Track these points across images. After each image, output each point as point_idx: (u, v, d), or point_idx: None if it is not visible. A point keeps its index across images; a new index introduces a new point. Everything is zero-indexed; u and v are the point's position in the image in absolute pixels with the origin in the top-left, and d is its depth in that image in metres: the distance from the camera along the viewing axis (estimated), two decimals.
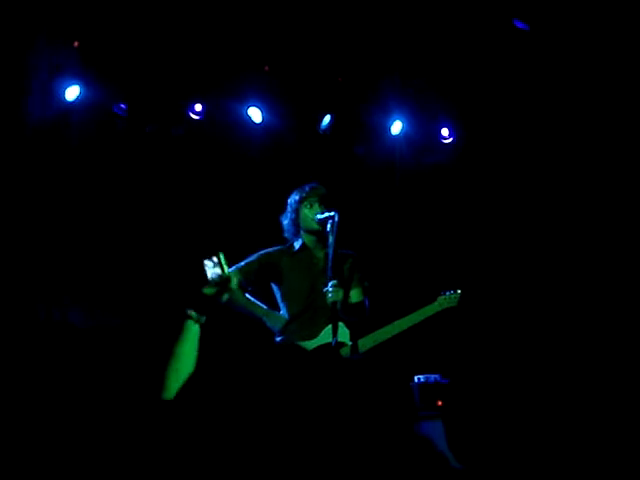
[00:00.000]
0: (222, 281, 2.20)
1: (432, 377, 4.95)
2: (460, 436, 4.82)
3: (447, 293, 4.33)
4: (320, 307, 4.00)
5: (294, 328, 4.10)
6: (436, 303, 4.31)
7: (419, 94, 6.07)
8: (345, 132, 6.00)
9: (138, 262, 5.43)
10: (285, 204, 4.28)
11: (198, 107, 5.52)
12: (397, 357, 4.43)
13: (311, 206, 4.13)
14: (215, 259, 2.21)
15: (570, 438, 4.97)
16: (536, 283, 5.98)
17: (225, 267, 2.19)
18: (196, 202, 5.65)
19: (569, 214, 6.01)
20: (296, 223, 4.20)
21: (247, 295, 4.14)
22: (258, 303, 4.19)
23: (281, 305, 4.20)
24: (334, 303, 3.84)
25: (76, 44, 5.09)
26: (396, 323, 4.22)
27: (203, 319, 2.16)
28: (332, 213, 3.96)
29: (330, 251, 3.91)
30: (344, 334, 4.05)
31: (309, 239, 4.20)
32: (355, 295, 4.18)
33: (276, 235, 4.33)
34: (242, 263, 4.14)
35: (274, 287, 4.23)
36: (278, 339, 4.14)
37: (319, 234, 4.13)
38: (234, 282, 2.21)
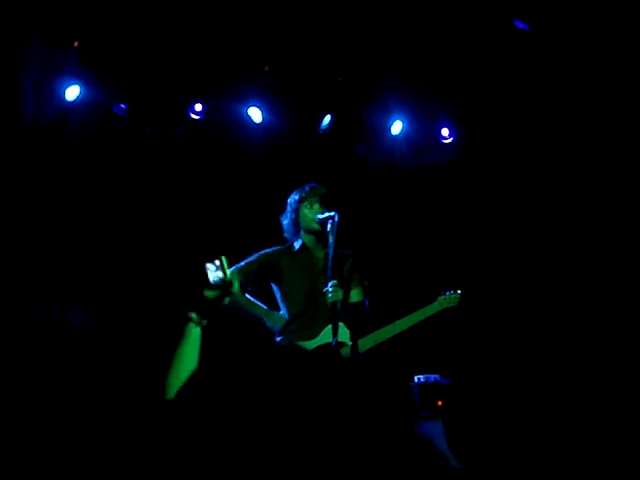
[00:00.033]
0: (224, 284, 2.20)
1: (432, 377, 4.95)
2: (460, 436, 4.82)
3: (447, 293, 4.33)
4: (320, 307, 4.00)
5: (294, 328, 4.10)
6: (436, 303, 4.31)
7: (419, 94, 6.07)
8: (345, 132, 6.00)
9: (138, 262, 5.43)
10: (285, 204, 4.28)
11: (198, 107, 5.52)
12: (397, 357, 4.44)
13: (311, 206, 4.13)
14: (217, 262, 2.21)
15: (570, 438, 4.97)
16: (536, 283, 5.98)
17: (227, 270, 2.19)
18: (196, 202, 5.65)
19: (569, 214, 6.01)
20: (296, 223, 4.20)
21: (247, 295, 4.14)
22: (258, 303, 4.19)
23: (281, 305, 4.20)
24: (334, 303, 3.85)
25: (76, 44, 5.09)
26: (396, 323, 4.22)
27: (204, 322, 2.16)
28: (332, 213, 3.96)
29: (330, 251, 3.91)
30: (344, 334, 4.05)
31: (309, 239, 4.20)
32: (355, 295, 4.18)
33: (276, 235, 4.33)
34: (242, 263, 4.14)
35: (274, 287, 4.23)
36: (278, 339, 4.14)
37: (319, 234, 4.13)
38: (236, 286, 2.21)
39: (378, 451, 1.56)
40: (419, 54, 5.75)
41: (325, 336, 3.98)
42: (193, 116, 5.53)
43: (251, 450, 1.52)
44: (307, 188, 4.21)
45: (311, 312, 4.09)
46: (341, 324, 3.99)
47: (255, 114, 5.66)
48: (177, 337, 2.14)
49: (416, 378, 4.97)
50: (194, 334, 2.13)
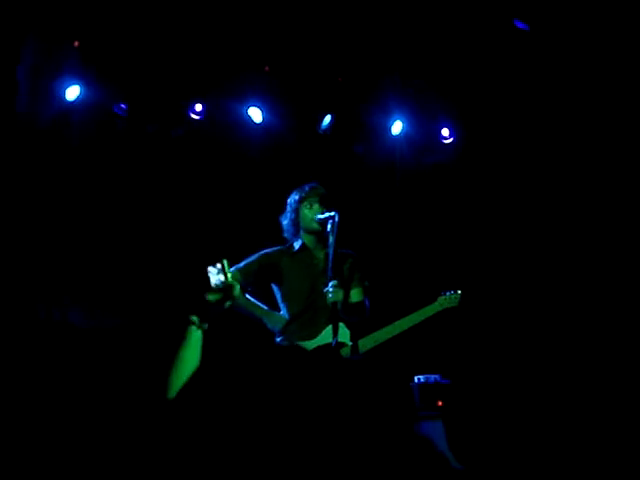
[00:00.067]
0: (225, 288, 2.20)
1: (432, 377, 4.95)
2: (460, 436, 4.82)
3: (447, 293, 4.32)
4: (320, 307, 4.00)
5: (294, 328, 4.10)
6: (436, 303, 4.31)
7: (419, 94, 6.07)
8: (345, 132, 6.00)
9: (138, 262, 5.43)
10: (285, 204, 4.28)
11: (198, 107, 5.52)
12: (397, 357, 4.43)
13: (311, 206, 4.12)
14: (219, 265, 2.21)
15: (570, 438, 4.97)
16: (537, 283, 5.98)
17: (229, 274, 2.20)
18: (196, 202, 5.65)
19: (570, 214, 6.01)
20: (296, 223, 4.20)
21: (247, 295, 4.14)
22: (258, 303, 4.18)
23: (281, 305, 4.20)
24: (334, 303, 3.84)
25: (76, 44, 5.09)
26: (396, 323, 4.21)
27: (206, 325, 2.17)
28: (332, 213, 3.96)
29: (330, 251, 3.90)
30: (344, 334, 4.04)
31: (309, 239, 4.19)
32: (355, 295, 4.17)
33: (276, 235, 4.32)
34: (242, 264, 4.14)
35: (274, 287, 4.22)
36: (278, 339, 4.14)
37: (319, 234, 4.13)
38: (237, 289, 2.21)
39: (378, 451, 1.56)
40: (419, 54, 5.75)
41: (325, 336, 3.98)
42: (193, 116, 5.53)
43: (251, 450, 1.52)
44: (307, 188, 4.21)
45: (311, 312, 4.09)
46: (341, 324, 3.98)
47: (255, 114, 5.66)
48: (177, 338, 2.14)
49: (416, 378, 4.97)
50: (195, 337, 2.13)
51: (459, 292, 4.32)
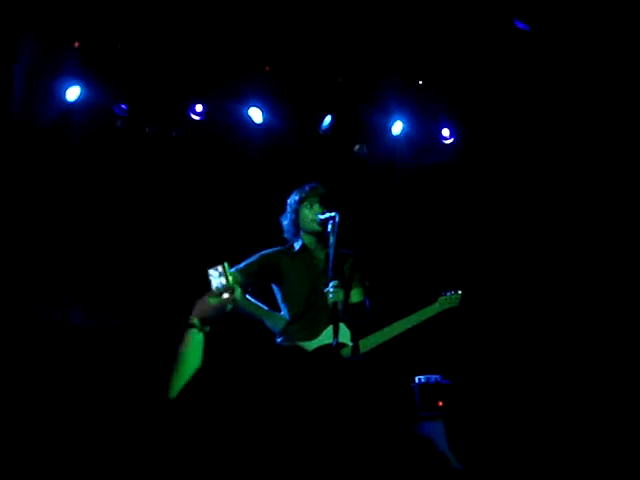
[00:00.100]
0: (226, 291, 2.20)
1: (433, 378, 4.95)
2: (461, 436, 4.81)
3: (448, 294, 4.32)
4: (321, 308, 3.99)
5: (295, 329, 4.10)
6: (437, 304, 4.31)
7: (420, 94, 6.07)
8: (345, 132, 6.00)
9: (139, 262, 5.43)
10: (285, 204, 4.27)
11: (199, 107, 5.52)
12: (398, 358, 4.43)
13: (311, 206, 4.12)
14: (220, 268, 2.21)
15: (570, 438, 4.97)
16: (537, 283, 5.98)
17: (229, 277, 2.20)
18: (197, 202, 5.66)
19: (570, 214, 6.00)
20: (296, 223, 4.20)
21: (247, 296, 4.14)
22: (258, 304, 4.18)
23: (282, 306, 4.20)
24: (335, 304, 3.83)
25: (77, 45, 5.09)
26: (397, 324, 4.21)
27: (207, 328, 2.17)
28: (333, 214, 3.95)
29: (331, 251, 3.90)
30: (345, 335, 4.04)
31: (309, 240, 4.19)
32: (356, 295, 4.17)
33: (276, 236, 4.32)
34: (242, 264, 4.13)
35: (274, 288, 4.22)
36: (279, 340, 4.14)
37: (319, 235, 4.12)
38: (238, 292, 2.21)
39: (379, 451, 1.56)
40: (419, 54, 5.75)
41: (326, 337, 3.97)
42: (193, 116, 5.53)
43: (252, 450, 1.52)
44: (307, 188, 4.21)
45: (312, 313, 4.09)
46: (342, 325, 3.98)
47: (255, 114, 5.66)
48: (178, 339, 2.14)
49: (417, 379, 4.97)
50: (197, 340, 2.13)
51: (459, 292, 4.32)
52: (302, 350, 3.90)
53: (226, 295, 2.19)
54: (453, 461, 4.43)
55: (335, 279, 3.87)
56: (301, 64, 5.65)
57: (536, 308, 5.92)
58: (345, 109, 5.91)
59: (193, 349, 2.11)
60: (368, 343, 4.13)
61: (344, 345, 4.01)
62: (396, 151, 6.13)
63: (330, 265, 3.89)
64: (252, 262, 4.14)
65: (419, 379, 4.96)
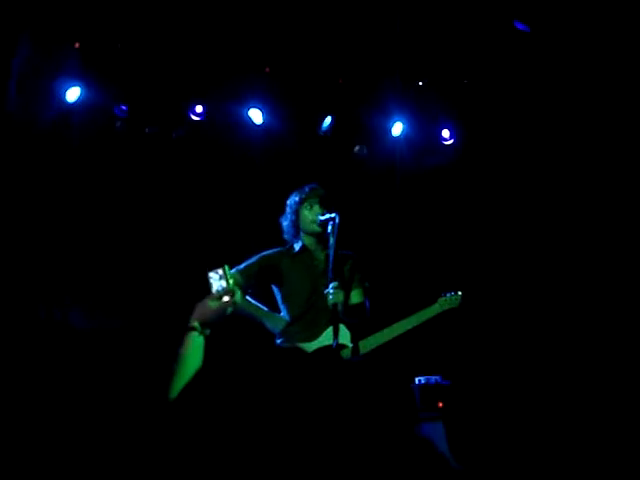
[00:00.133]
0: (227, 293, 2.20)
1: (433, 378, 4.95)
2: (461, 437, 4.81)
3: (448, 294, 4.32)
4: (321, 309, 3.99)
5: (295, 330, 4.09)
6: (437, 304, 4.30)
7: (419, 95, 6.07)
8: (345, 134, 6.00)
9: (139, 263, 5.43)
10: (285, 206, 4.27)
11: (199, 108, 5.52)
12: (398, 359, 4.43)
13: (311, 207, 4.12)
14: (220, 271, 2.21)
15: (570, 439, 4.96)
16: (537, 284, 5.98)
17: (230, 280, 2.20)
18: (197, 203, 5.66)
19: (570, 215, 6.01)
20: (296, 224, 4.19)
21: (247, 297, 4.13)
22: (258, 305, 4.18)
23: (282, 307, 4.19)
24: (335, 305, 3.83)
25: (77, 45, 5.10)
26: (397, 325, 4.21)
27: (208, 331, 2.17)
28: (333, 215, 3.95)
29: (331, 252, 3.90)
30: (345, 336, 4.03)
31: (309, 241, 4.19)
32: (356, 296, 4.17)
33: (276, 237, 4.32)
34: (242, 266, 4.13)
35: (274, 289, 4.22)
36: (279, 341, 4.13)
37: (319, 236, 4.12)
38: (238, 295, 2.21)
39: (379, 452, 1.55)
40: (419, 56, 5.76)
41: (326, 338, 3.97)
42: (193, 117, 5.53)
43: (252, 451, 1.52)
44: (307, 189, 4.21)
45: (312, 314, 4.08)
46: (342, 326, 3.98)
47: (255, 115, 5.66)
48: (178, 342, 2.13)
49: (417, 380, 4.97)
50: (197, 343, 2.13)
51: (459, 293, 4.32)
52: (302, 351, 3.89)
53: (226, 298, 2.19)
54: (453, 462, 4.43)
55: (335, 280, 3.87)
56: (301, 65, 5.65)
57: (536, 309, 5.92)
58: (345, 110, 5.91)
59: (193, 352, 2.10)
60: (368, 344, 4.13)
61: (344, 346, 4.01)
62: (396, 152, 6.13)
63: (330, 266, 3.88)
64: (252, 263, 4.14)
65: (419, 380, 4.96)
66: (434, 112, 6.16)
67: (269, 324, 4.15)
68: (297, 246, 4.21)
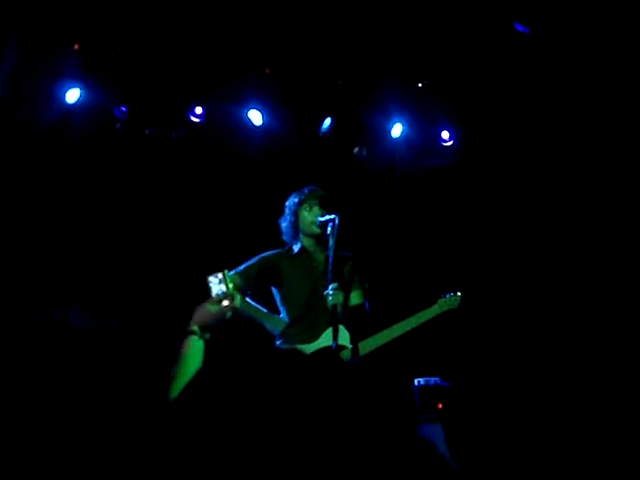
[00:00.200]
0: (226, 298, 2.20)
1: (432, 380, 4.94)
2: (460, 439, 4.81)
3: (447, 295, 4.31)
4: (320, 310, 3.99)
5: (294, 331, 4.09)
6: (436, 305, 4.29)
7: (419, 97, 6.07)
8: (345, 135, 6.00)
9: (139, 264, 5.43)
10: (284, 207, 4.27)
11: (198, 110, 5.52)
12: (398, 360, 4.43)
13: (311, 209, 4.12)
14: (220, 275, 2.22)
15: (570, 441, 4.96)
16: (537, 286, 5.98)
17: (229, 284, 2.20)
18: (196, 205, 5.66)
19: (570, 217, 6.01)
20: (295, 226, 4.19)
21: (247, 299, 4.13)
22: (258, 307, 4.18)
23: (281, 308, 4.19)
24: (334, 306, 3.83)
25: (77, 47, 5.10)
26: (396, 326, 4.20)
27: (207, 335, 2.17)
28: (332, 216, 3.95)
29: (330, 254, 3.89)
30: (344, 337, 4.03)
31: (308, 242, 4.19)
32: (355, 297, 4.17)
33: (275, 238, 4.32)
34: (241, 267, 4.12)
35: (274, 290, 4.22)
36: (278, 342, 4.13)
37: (319, 237, 4.12)
38: (238, 299, 2.22)
39: (379, 453, 1.56)
40: (419, 57, 5.76)
41: (325, 339, 3.97)
42: (193, 119, 5.53)
43: (251, 454, 1.52)
44: (306, 191, 4.20)
45: (311, 315, 4.08)
46: (341, 327, 3.98)
47: (255, 117, 5.66)
48: (178, 345, 2.13)
49: (416, 381, 4.97)
50: (197, 347, 2.13)
51: (459, 294, 4.32)
52: (300, 353, 3.89)
53: (226, 302, 2.19)
54: (452, 463, 4.43)
55: (335, 281, 3.86)
56: (301, 66, 5.65)
57: (536, 310, 5.91)
58: (345, 111, 5.91)
59: (193, 355, 2.11)
60: (368, 345, 4.13)
61: (343, 347, 4.01)
62: (396, 153, 6.13)
63: (330, 267, 3.88)
64: (251, 265, 4.14)
65: (419, 381, 4.96)
66: (434, 113, 6.16)
67: (269, 325, 4.15)
68: (296, 247, 4.21)
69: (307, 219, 4.12)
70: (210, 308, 2.19)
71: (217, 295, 2.21)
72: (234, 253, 4.43)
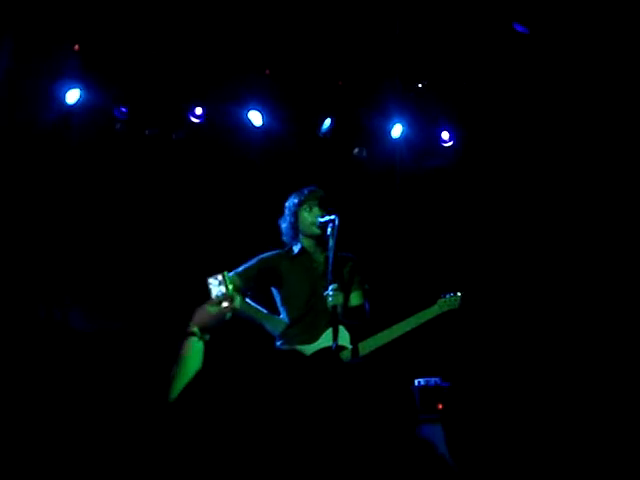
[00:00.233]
0: (226, 299, 2.21)
1: (432, 380, 4.94)
2: (460, 439, 4.81)
3: (447, 296, 4.31)
4: (320, 311, 3.99)
5: (294, 332, 4.09)
6: (436, 306, 4.29)
7: (419, 97, 6.07)
8: (345, 136, 6.00)
9: (139, 265, 5.43)
10: (284, 208, 4.27)
11: (198, 110, 5.52)
12: (398, 360, 4.43)
13: (311, 209, 4.12)
14: (219, 277, 2.22)
15: (570, 442, 4.96)
16: (537, 286, 5.98)
17: (229, 286, 2.20)
18: (196, 205, 5.66)
19: (570, 217, 6.01)
20: (295, 227, 4.19)
21: (247, 300, 4.13)
22: (258, 307, 4.18)
23: (281, 309, 4.19)
24: (334, 307, 3.83)
25: (77, 47, 5.10)
26: (396, 326, 4.20)
27: (207, 337, 2.17)
28: (332, 217, 3.95)
29: (330, 254, 3.90)
30: (344, 337, 4.04)
31: (308, 243, 4.19)
32: (355, 298, 4.17)
33: (275, 239, 4.32)
34: (241, 268, 4.13)
35: (274, 291, 4.22)
36: (278, 343, 4.13)
37: (319, 238, 4.12)
38: (237, 301, 2.22)
39: (379, 454, 1.56)
40: (419, 58, 5.76)
41: (325, 340, 3.97)
42: (193, 119, 5.53)
43: (251, 455, 1.52)
44: (306, 191, 4.20)
45: (311, 316, 4.08)
46: (341, 327, 3.98)
47: (255, 117, 5.66)
48: (178, 346, 2.14)
49: (416, 381, 4.97)
50: (196, 348, 2.13)
51: (459, 294, 4.31)
52: (301, 353, 3.89)
53: (225, 304, 2.19)
54: (452, 464, 4.42)
55: (335, 282, 3.87)
56: (301, 67, 5.65)
57: (536, 311, 5.91)
58: (345, 112, 5.91)
59: (193, 357, 2.11)
60: (368, 346, 4.13)
61: (343, 348, 4.01)
62: (396, 154, 6.13)
63: (330, 268, 3.88)
64: (251, 266, 4.14)
65: (419, 382, 4.96)
66: (434, 114, 6.16)
67: (269, 326, 4.15)
68: (296, 248, 4.21)
69: (307, 220, 4.12)
70: (210, 309, 2.19)
71: (217, 296, 2.21)
72: (234, 254, 4.43)
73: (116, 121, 5.42)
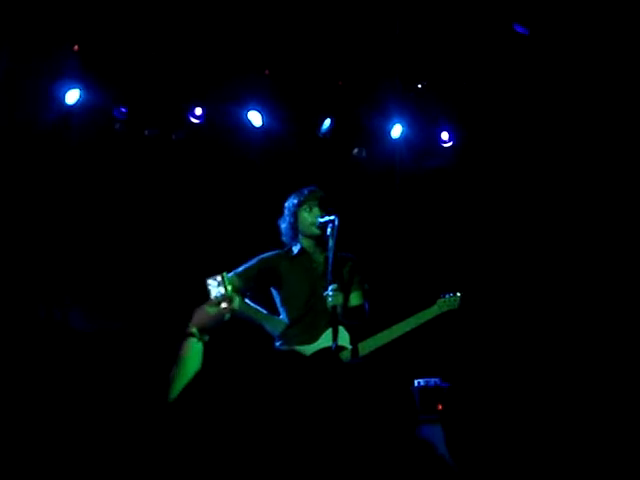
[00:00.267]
0: (225, 300, 2.21)
1: (432, 381, 4.94)
2: (460, 440, 4.81)
3: (447, 296, 4.31)
4: (320, 311, 3.99)
5: (294, 332, 4.09)
6: (436, 306, 4.29)
7: (419, 98, 6.07)
8: (345, 136, 6.00)
9: (138, 266, 5.43)
10: (283, 208, 4.27)
11: (198, 111, 5.52)
12: (397, 361, 4.43)
13: (310, 210, 4.12)
14: (218, 278, 2.22)
15: (570, 442, 4.96)
16: (537, 286, 5.98)
17: (228, 286, 2.21)
18: (196, 206, 5.66)
19: (570, 217, 6.01)
20: (295, 227, 4.19)
21: (246, 300, 4.13)
22: (257, 308, 4.18)
23: (281, 309, 4.19)
24: (334, 307, 3.83)
25: (76, 48, 5.10)
26: (396, 326, 4.20)
27: (206, 337, 2.17)
28: (332, 217, 3.95)
29: (330, 255, 3.89)
30: (344, 338, 4.04)
31: (308, 243, 4.19)
32: (355, 298, 4.17)
33: (274, 239, 4.32)
34: (240, 269, 4.12)
35: (273, 291, 4.22)
36: (278, 343, 4.13)
37: (318, 238, 4.12)
38: (236, 301, 2.22)
39: (378, 454, 1.56)
40: (419, 58, 5.76)
41: (325, 340, 3.97)
42: (193, 120, 5.53)
43: (251, 455, 1.52)
44: (306, 192, 4.20)
45: (311, 316, 4.08)
46: (341, 328, 3.98)
47: (255, 118, 5.66)
48: (177, 345, 2.14)
49: (416, 382, 4.97)
50: (196, 349, 2.13)
51: (458, 295, 4.31)
52: (301, 354, 3.89)
53: (224, 304, 2.19)
54: (452, 464, 4.42)
55: (334, 282, 3.86)
56: (301, 67, 5.65)
57: (536, 311, 5.91)
58: (344, 112, 5.91)
59: (192, 357, 2.11)
60: (367, 346, 4.12)
61: (343, 348, 4.01)
62: (395, 154, 6.13)
63: (329, 268, 3.88)
64: (251, 266, 4.14)
65: (418, 382, 4.96)
66: (433, 114, 6.16)
67: (268, 327, 4.15)
68: (296, 249, 4.21)
69: (307, 220, 4.12)
70: (209, 310, 2.19)
71: (216, 297, 2.21)
72: (234, 254, 4.43)
73: (116, 121, 5.42)
